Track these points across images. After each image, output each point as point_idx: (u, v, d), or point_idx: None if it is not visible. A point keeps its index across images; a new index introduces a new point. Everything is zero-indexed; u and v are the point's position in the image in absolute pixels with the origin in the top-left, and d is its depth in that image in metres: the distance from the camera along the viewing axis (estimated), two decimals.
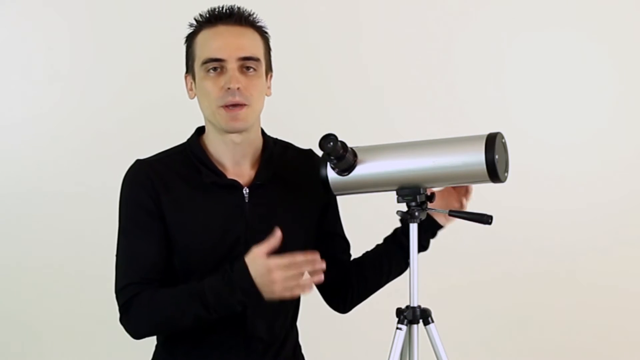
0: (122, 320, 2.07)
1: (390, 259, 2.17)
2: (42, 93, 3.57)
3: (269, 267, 1.90)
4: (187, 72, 2.15)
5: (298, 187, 2.16)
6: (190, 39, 2.13)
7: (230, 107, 2.05)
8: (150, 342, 2.20)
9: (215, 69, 2.06)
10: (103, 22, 3.57)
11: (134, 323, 2.05)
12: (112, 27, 3.57)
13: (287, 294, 1.92)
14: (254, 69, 2.08)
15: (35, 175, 3.55)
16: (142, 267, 2.05)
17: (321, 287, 2.22)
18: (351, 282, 2.22)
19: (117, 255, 2.11)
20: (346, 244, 2.28)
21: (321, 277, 1.92)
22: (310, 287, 1.94)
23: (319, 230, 2.21)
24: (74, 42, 3.58)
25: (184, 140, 2.19)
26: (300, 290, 1.94)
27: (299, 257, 1.90)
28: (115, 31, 3.57)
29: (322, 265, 1.92)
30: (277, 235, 1.92)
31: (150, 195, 2.07)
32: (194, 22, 2.13)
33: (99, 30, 3.58)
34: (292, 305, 2.20)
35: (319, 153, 2.03)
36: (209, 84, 2.06)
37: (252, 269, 1.91)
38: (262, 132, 2.19)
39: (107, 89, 3.56)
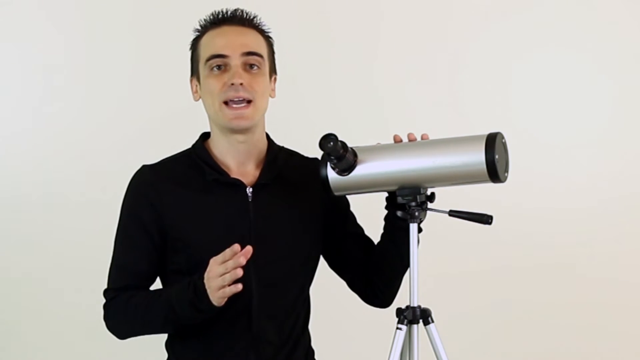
0: (104, 319, 2.15)
1: (395, 243, 2.12)
2: (41, 105, 3.58)
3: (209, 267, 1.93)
4: (192, 75, 2.17)
5: (302, 190, 2.16)
6: (195, 43, 2.16)
7: (235, 105, 2.06)
8: (159, 349, 2.21)
9: (219, 67, 2.08)
10: (99, 31, 3.58)
11: (112, 323, 2.13)
12: (109, 36, 3.57)
13: (221, 292, 1.91)
14: (258, 67, 2.10)
15: (33, 184, 3.56)
16: (128, 275, 2.13)
17: (352, 288, 2.26)
18: (372, 278, 2.21)
19: (112, 257, 2.16)
20: (364, 241, 2.24)
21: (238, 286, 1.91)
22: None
23: (332, 233, 2.21)
24: (70, 54, 3.59)
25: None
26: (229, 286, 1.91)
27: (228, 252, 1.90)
28: (112, 39, 3.57)
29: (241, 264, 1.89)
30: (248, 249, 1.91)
31: (149, 202, 2.10)
32: (199, 27, 2.15)
33: (95, 39, 3.58)
34: (302, 308, 2.19)
35: None
36: (213, 82, 2.08)
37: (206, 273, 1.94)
38: (268, 136, 2.20)
39: (106, 101, 3.57)
